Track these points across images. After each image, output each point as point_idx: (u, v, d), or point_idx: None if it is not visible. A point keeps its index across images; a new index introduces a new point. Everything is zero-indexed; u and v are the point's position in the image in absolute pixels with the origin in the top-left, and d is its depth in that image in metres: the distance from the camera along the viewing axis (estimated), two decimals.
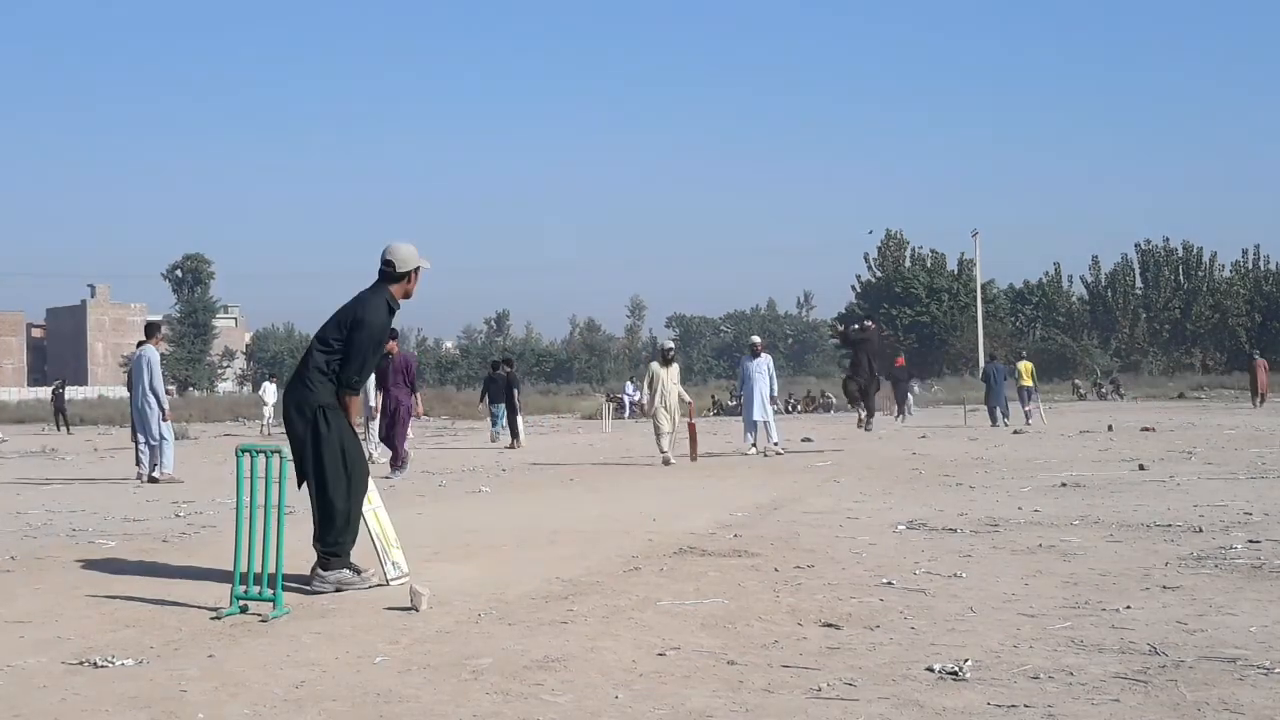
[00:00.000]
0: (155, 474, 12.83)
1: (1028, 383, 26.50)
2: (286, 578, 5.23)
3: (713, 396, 44.45)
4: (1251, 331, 71.39)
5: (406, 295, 5.96)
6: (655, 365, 15.76)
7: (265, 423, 31.63)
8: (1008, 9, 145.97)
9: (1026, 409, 25.92)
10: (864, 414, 18.53)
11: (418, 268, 5.93)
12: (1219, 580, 5.59)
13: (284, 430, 5.89)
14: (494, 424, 22.74)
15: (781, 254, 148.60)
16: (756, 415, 16.85)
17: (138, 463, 13.02)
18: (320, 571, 5.61)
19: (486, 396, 22.90)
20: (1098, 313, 74.50)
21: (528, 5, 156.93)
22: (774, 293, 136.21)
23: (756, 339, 18.03)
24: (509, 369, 21.93)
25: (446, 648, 4.38)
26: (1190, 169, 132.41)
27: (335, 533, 5.66)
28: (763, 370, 16.99)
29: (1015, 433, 21.33)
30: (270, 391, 32.07)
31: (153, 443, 12.90)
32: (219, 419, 43.02)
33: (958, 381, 55.72)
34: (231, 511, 6.09)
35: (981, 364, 47.20)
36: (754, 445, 16.92)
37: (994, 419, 25.35)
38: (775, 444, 16.81)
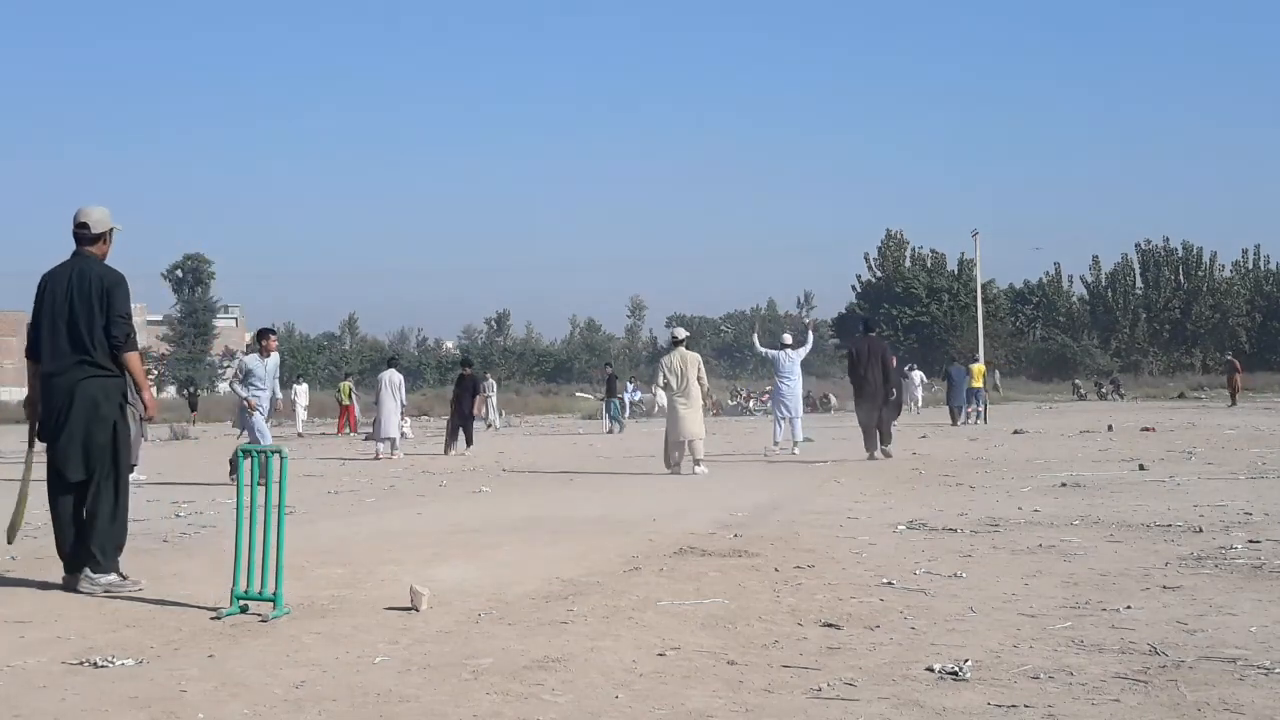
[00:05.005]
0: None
1: (978, 384, 28.05)
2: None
3: (712, 396, 44.48)
4: (1251, 332, 71.46)
5: (103, 256, 5.94)
6: (664, 359, 13.82)
7: (301, 424, 31.24)
8: (1006, 10, 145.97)
9: (969, 409, 27.59)
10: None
11: (111, 229, 5.95)
12: (1219, 580, 5.58)
13: (75, 411, 5.66)
14: (612, 418, 28.51)
15: (781, 254, 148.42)
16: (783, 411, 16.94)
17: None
18: (91, 574, 5.60)
19: (606, 393, 29.40)
20: (1098, 313, 74.55)
21: (528, 5, 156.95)
22: (774, 293, 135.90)
23: (788, 337, 18.13)
24: (469, 369, 21.83)
25: (446, 648, 4.38)
26: (1190, 169, 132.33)
27: (123, 531, 5.76)
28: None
29: (1016, 432, 21.34)
30: (304, 393, 31.91)
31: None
32: (219, 419, 43.02)
33: None
34: (231, 511, 6.09)
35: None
36: (777, 443, 16.95)
37: (954, 418, 26.95)
38: (777, 444, 16.87)
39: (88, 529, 5.62)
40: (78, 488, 5.66)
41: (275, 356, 13.34)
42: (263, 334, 13.69)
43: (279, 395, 13.95)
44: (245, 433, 13.27)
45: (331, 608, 5.19)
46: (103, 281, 5.71)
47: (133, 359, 5.80)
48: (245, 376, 13.16)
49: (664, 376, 13.52)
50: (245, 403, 13.01)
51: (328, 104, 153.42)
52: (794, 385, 16.97)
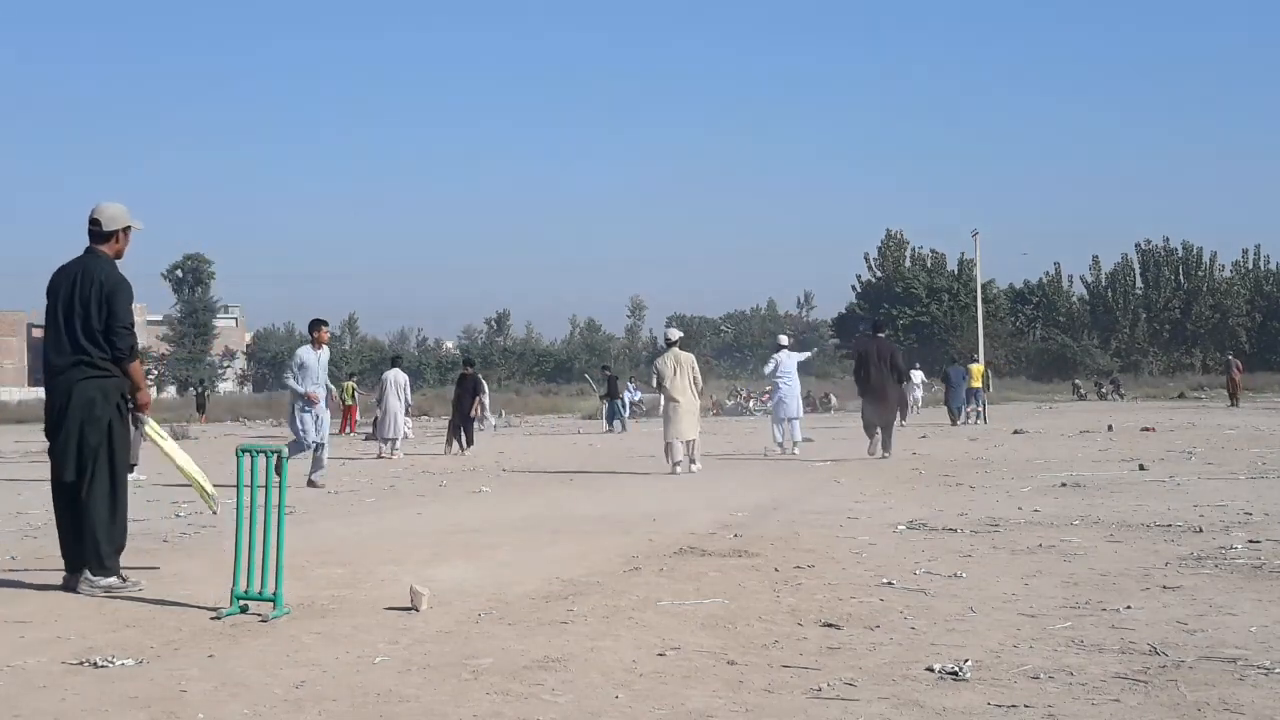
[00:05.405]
0: None
1: (976, 384, 28.41)
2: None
3: (711, 397, 44.53)
4: (1251, 331, 71.47)
5: (118, 255, 5.90)
6: (658, 361, 13.88)
7: None
8: (1008, 11, 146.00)
9: (968, 409, 28.02)
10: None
11: (127, 227, 5.91)
12: (1219, 580, 5.59)
13: (72, 411, 5.63)
14: (614, 419, 28.68)
15: (781, 254, 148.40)
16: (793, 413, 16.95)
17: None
18: (91, 576, 5.57)
19: (606, 394, 29.85)
20: (1098, 313, 74.55)
21: (527, 5, 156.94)
22: (774, 293, 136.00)
23: (784, 338, 18.14)
24: (470, 369, 21.79)
25: (446, 648, 4.38)
26: (1190, 169, 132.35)
27: (123, 532, 5.73)
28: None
29: (1016, 432, 21.34)
30: None
31: None
32: (219, 419, 43.04)
33: None
34: (231, 511, 6.10)
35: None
36: (779, 444, 16.91)
37: (952, 418, 27.28)
38: (779, 444, 16.87)
39: (86, 530, 5.61)
40: (74, 488, 5.65)
41: (326, 350, 12.71)
42: (315, 325, 12.81)
43: (331, 389, 13.29)
44: (298, 433, 12.55)
45: (331, 608, 5.19)
46: (104, 286, 5.67)
47: (134, 368, 5.82)
48: (299, 370, 12.55)
49: (657, 378, 13.69)
50: (305, 396, 12.43)
51: (328, 104, 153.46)
52: (794, 386, 16.99)
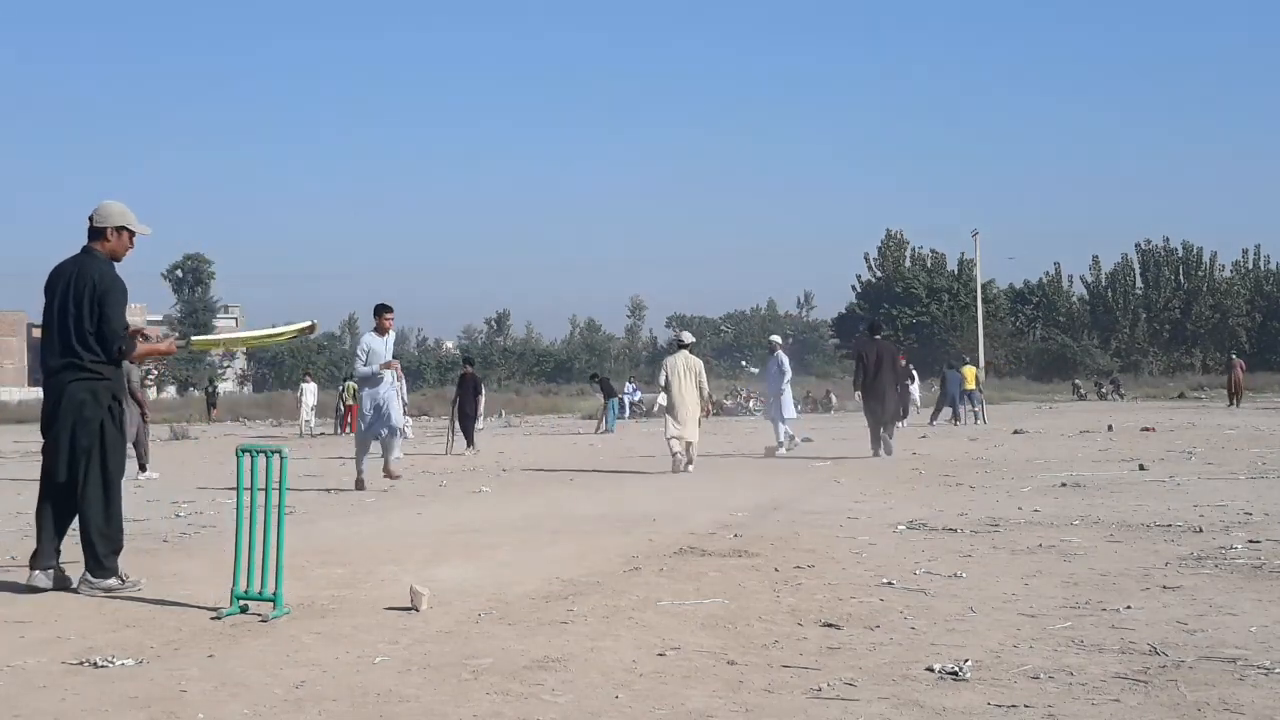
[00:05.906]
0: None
1: (970, 386, 28.73)
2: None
3: (712, 397, 44.60)
4: (1251, 331, 71.49)
5: (113, 255, 5.82)
6: (668, 360, 14.05)
7: (308, 424, 31.08)
8: (1006, 9, 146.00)
9: (961, 409, 28.29)
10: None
11: (121, 226, 5.81)
12: (1219, 580, 5.58)
13: (63, 412, 5.61)
14: (608, 420, 28.86)
15: (781, 254, 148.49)
16: (789, 413, 16.92)
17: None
18: (91, 578, 5.55)
19: (602, 394, 30.31)
20: (1098, 313, 74.57)
21: (527, 5, 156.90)
22: (774, 293, 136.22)
23: (777, 338, 18.16)
24: (471, 368, 21.76)
25: (446, 648, 4.37)
26: (1190, 169, 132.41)
27: (119, 533, 5.69)
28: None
29: (1016, 432, 21.34)
30: (310, 392, 31.70)
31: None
32: (219, 419, 43.05)
33: None
34: (231, 511, 6.10)
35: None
36: (783, 444, 16.88)
37: (949, 416, 27.77)
38: (780, 444, 16.87)
39: (80, 533, 5.60)
40: (65, 489, 5.64)
41: (392, 335, 12.23)
42: (380, 310, 12.22)
43: (394, 363, 12.41)
44: (361, 425, 12.04)
45: (331, 608, 5.19)
46: (97, 287, 5.60)
47: (142, 349, 5.89)
48: (368, 357, 12.02)
49: (665, 377, 13.81)
50: (375, 375, 11.80)
51: (327, 104, 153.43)
52: (789, 387, 17.08)
